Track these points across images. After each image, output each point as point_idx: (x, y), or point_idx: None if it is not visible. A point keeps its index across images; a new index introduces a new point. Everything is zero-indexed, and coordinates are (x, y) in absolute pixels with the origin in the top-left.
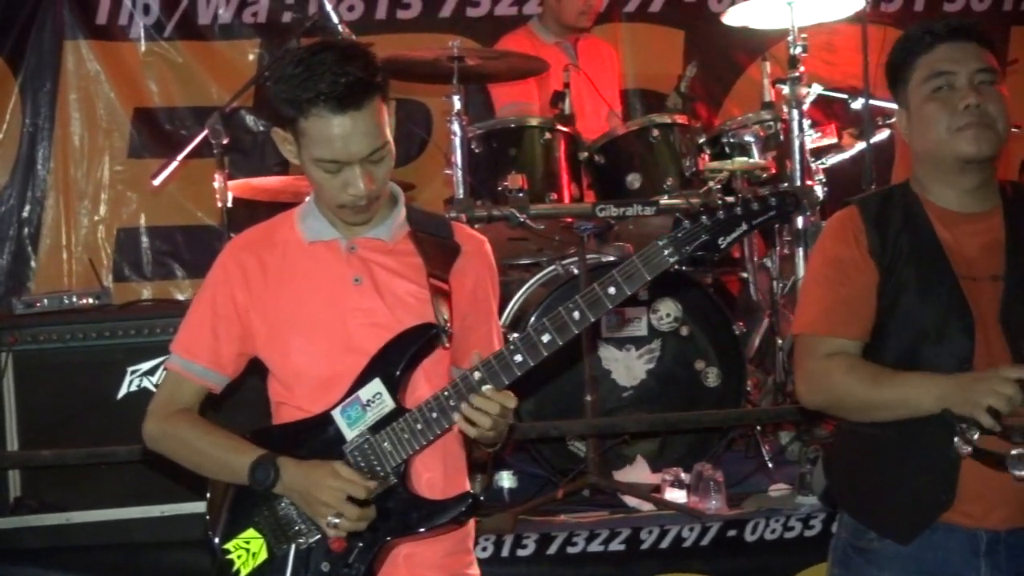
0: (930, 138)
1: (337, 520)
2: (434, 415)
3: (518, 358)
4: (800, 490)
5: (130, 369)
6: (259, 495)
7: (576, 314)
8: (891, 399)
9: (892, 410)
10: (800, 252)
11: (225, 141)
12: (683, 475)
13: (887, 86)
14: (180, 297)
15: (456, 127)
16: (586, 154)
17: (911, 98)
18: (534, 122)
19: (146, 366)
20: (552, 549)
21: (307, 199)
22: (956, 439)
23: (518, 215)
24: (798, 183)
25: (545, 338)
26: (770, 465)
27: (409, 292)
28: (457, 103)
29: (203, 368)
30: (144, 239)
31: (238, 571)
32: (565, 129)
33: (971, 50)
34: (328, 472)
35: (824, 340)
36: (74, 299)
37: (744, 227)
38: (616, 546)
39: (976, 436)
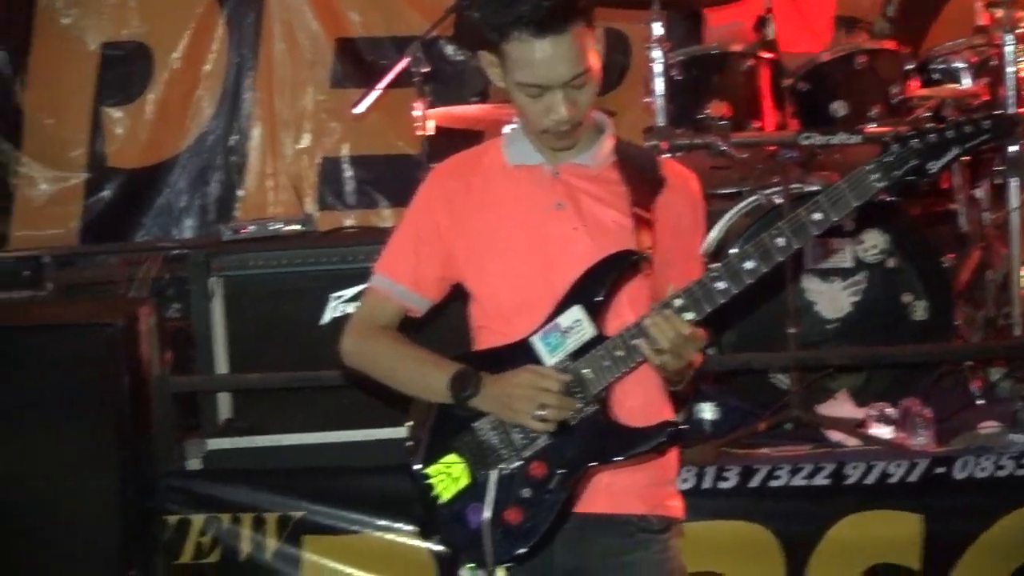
0: None
1: (541, 412)
2: (635, 342)
3: (720, 285)
4: (1012, 428)
5: (332, 295)
6: (460, 420)
7: (780, 240)
8: None
9: None
10: (1012, 183)
11: (426, 70)
12: (888, 410)
13: None
14: (382, 226)
15: (657, 54)
16: (790, 81)
17: None
18: (737, 48)
19: (348, 293)
20: (754, 482)
21: (514, 124)
22: None
23: (720, 143)
24: (1012, 111)
25: (748, 265)
26: (980, 402)
27: (612, 219)
28: (658, 29)
29: (404, 289)
30: (347, 168)
31: (438, 496)
32: (768, 55)
33: None
34: (520, 371)
35: None
36: (280, 226)
37: (956, 150)
38: (820, 481)
39: None
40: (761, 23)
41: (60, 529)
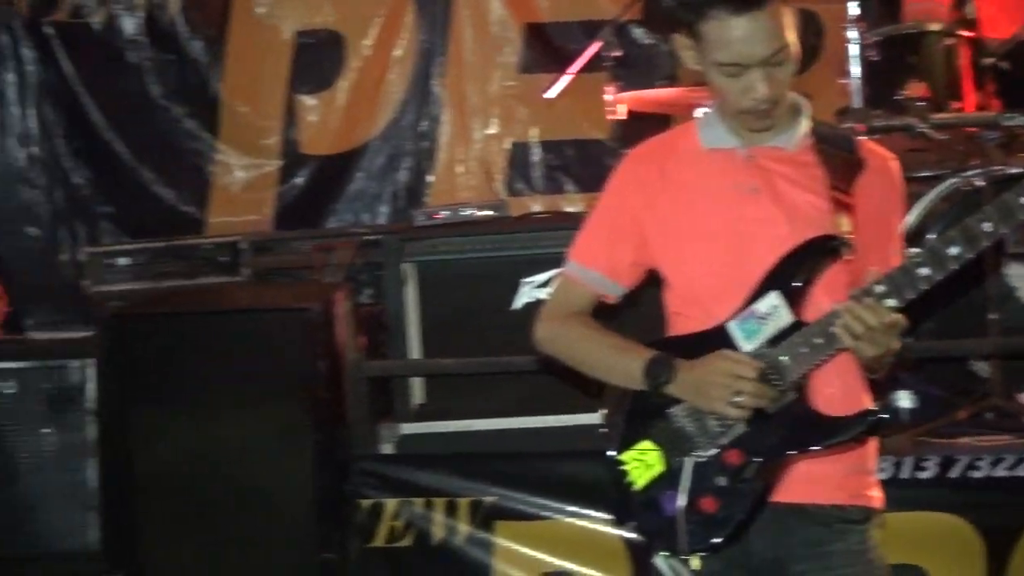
0: None
1: (737, 399)
2: (833, 329)
3: (924, 271)
4: None
5: (524, 280)
6: (655, 406)
7: (987, 225)
8: None
9: None
10: None
11: (618, 54)
12: None
13: None
14: (570, 210)
15: (853, 34)
16: (991, 60)
17: None
18: (935, 27)
19: (540, 278)
20: (954, 472)
21: (707, 108)
22: None
23: (918, 125)
24: None
25: (953, 250)
26: None
27: (809, 203)
28: (854, 9)
29: (598, 275)
30: (535, 153)
31: (633, 482)
32: (968, 34)
33: None
34: (716, 357)
35: None
36: (472, 211)
37: None
38: (1023, 472)
39: None
40: (961, 1)
41: (256, 511)
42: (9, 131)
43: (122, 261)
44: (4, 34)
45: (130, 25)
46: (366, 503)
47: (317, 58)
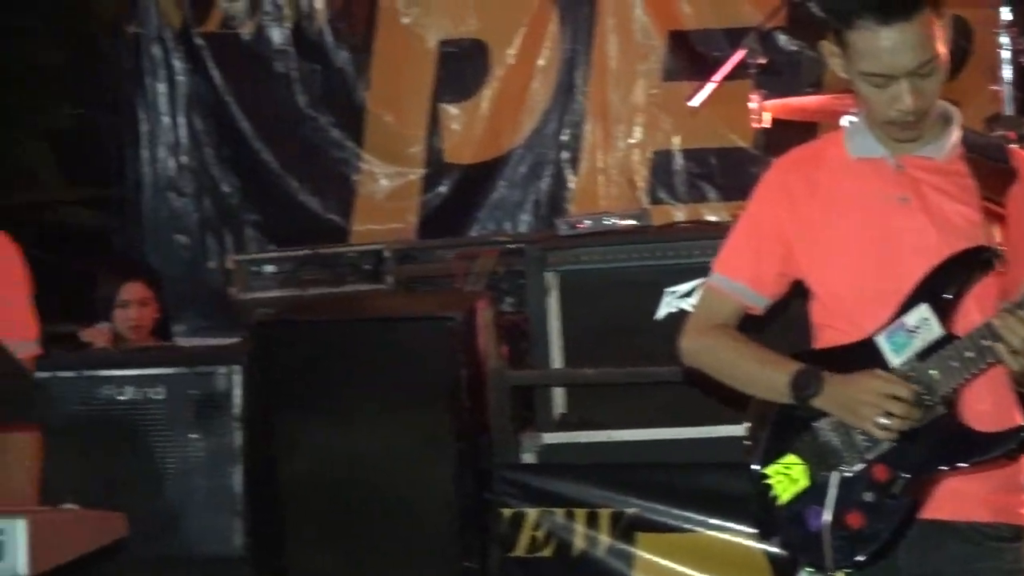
0: None
1: (885, 420)
2: (985, 343)
3: None
4: None
5: (667, 290)
6: (800, 420)
7: None
8: None
9: None
10: None
11: (762, 61)
12: None
13: None
14: (712, 219)
15: (1005, 39)
16: None
17: None
18: None
19: (683, 288)
20: None
21: (854, 116)
22: None
23: None
24: None
25: None
26: None
27: (959, 213)
28: (1006, 14)
29: (743, 286)
30: (678, 161)
31: (777, 497)
32: None
33: None
34: (867, 375)
35: None
36: (615, 220)
37: None
38: None
39: None
40: None
41: (399, 519)
42: (159, 140)
43: (268, 269)
44: (156, 45)
45: (278, 35)
46: (507, 512)
47: (461, 67)
